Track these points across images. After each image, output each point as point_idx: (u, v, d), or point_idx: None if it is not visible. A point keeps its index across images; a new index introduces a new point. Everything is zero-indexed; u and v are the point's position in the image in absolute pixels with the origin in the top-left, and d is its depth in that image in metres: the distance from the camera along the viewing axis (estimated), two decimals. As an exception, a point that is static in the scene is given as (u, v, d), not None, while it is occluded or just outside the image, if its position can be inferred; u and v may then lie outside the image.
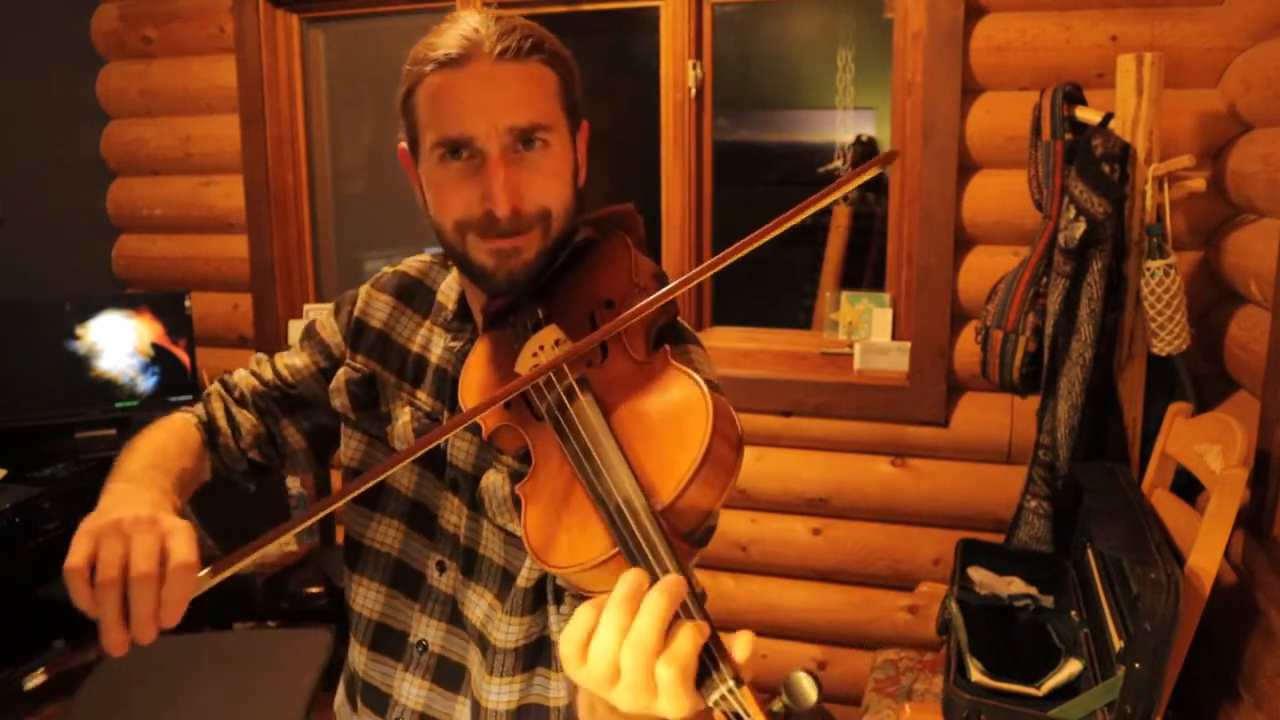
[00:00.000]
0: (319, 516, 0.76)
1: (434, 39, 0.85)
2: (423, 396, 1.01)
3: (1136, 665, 1.33)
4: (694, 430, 0.67)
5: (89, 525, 0.76)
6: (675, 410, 0.70)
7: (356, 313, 1.07)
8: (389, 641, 1.03)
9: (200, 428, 1.06)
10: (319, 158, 2.97)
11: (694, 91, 2.44)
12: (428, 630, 1.01)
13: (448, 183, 0.86)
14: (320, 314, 1.12)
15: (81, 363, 2.66)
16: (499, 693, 0.96)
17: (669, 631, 0.59)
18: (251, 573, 2.37)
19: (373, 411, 1.04)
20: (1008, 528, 2.00)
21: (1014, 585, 1.80)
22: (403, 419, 1.01)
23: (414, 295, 1.07)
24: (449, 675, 1.01)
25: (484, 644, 0.97)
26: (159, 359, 2.75)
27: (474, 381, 0.86)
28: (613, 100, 3.40)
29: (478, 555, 0.97)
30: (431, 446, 0.75)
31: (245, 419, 1.09)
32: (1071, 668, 1.54)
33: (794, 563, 2.46)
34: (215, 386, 1.12)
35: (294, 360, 1.10)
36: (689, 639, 0.58)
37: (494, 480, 0.94)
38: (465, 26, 0.84)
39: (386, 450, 1.02)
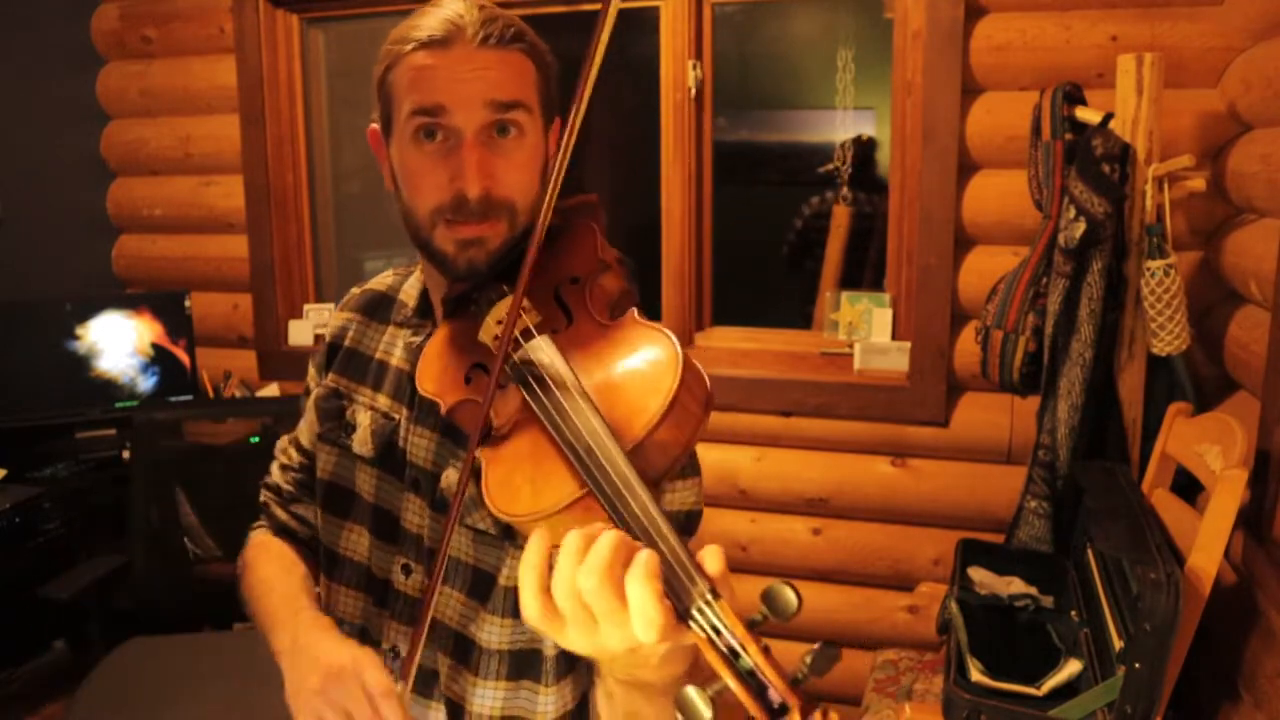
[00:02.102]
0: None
1: (417, 20, 0.87)
2: (382, 399, 1.02)
3: (1136, 665, 1.33)
4: (662, 377, 0.68)
5: (300, 704, 0.87)
6: (644, 359, 0.72)
7: (328, 339, 1.10)
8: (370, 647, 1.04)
9: (280, 535, 1.14)
10: (319, 158, 2.97)
11: (694, 91, 2.44)
12: (398, 636, 1.01)
13: (420, 165, 0.86)
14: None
15: (81, 363, 2.66)
16: (485, 696, 0.95)
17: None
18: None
19: (339, 421, 1.05)
20: (1008, 528, 2.00)
21: (1014, 585, 1.80)
22: (364, 424, 1.02)
23: (378, 306, 1.08)
24: (421, 680, 1.00)
25: (463, 645, 0.96)
26: (159, 359, 2.75)
27: (432, 366, 0.86)
28: (612, 100, 3.40)
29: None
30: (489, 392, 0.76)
31: (305, 511, 1.13)
32: (1071, 668, 1.54)
33: (794, 563, 2.46)
34: (266, 494, 1.17)
35: (307, 433, 1.12)
36: (649, 554, 0.57)
37: (454, 479, 0.94)
38: (449, 11, 0.86)
39: (352, 460, 1.03)
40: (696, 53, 2.45)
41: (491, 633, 0.94)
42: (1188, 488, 1.73)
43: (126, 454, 2.45)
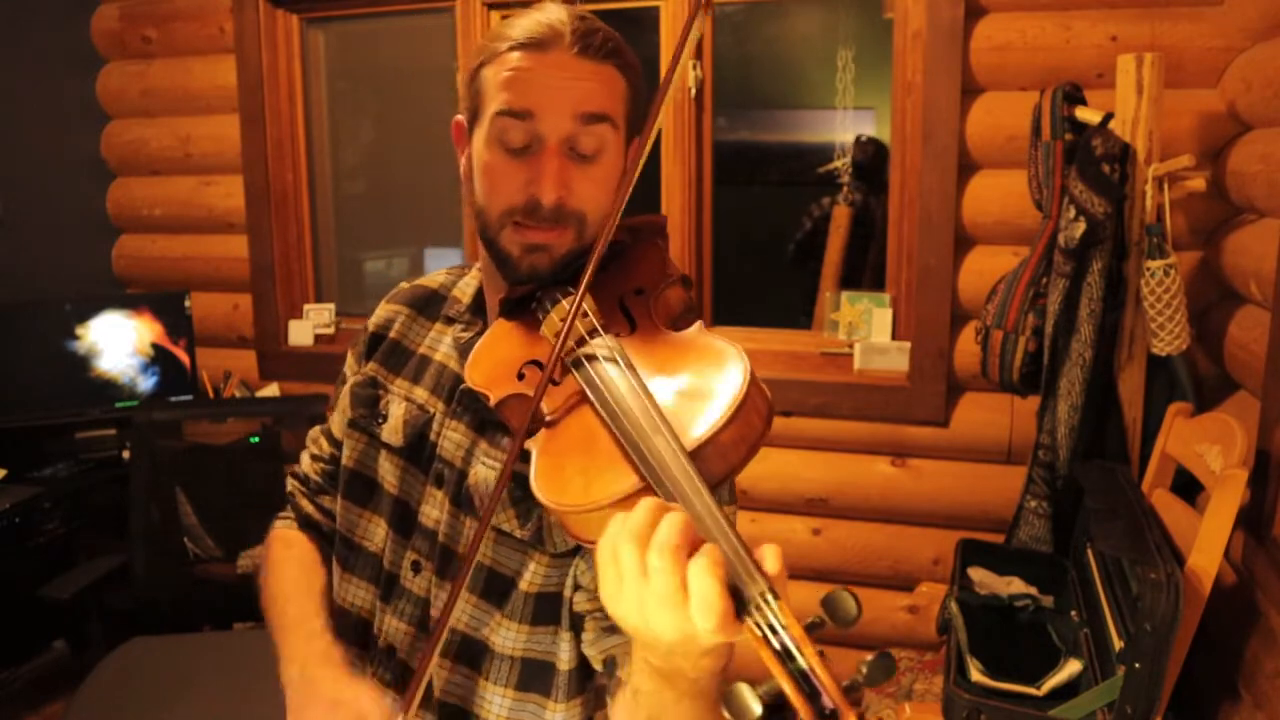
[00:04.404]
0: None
1: (516, 20, 0.88)
2: (419, 392, 1.02)
3: (1136, 665, 1.33)
4: (730, 383, 0.68)
5: None
6: (712, 365, 0.72)
7: (371, 328, 1.10)
8: (371, 642, 1.03)
9: (305, 529, 1.13)
10: (319, 158, 2.97)
11: (694, 91, 2.44)
12: (395, 634, 0.99)
13: (500, 165, 0.87)
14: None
15: (81, 363, 2.66)
16: (494, 701, 0.94)
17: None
18: (250, 572, 2.37)
19: (372, 410, 1.04)
20: (1008, 528, 2.00)
21: (1014, 585, 1.80)
22: (396, 414, 1.02)
23: (429, 303, 1.08)
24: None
25: (471, 647, 0.94)
26: (159, 359, 2.75)
27: (484, 361, 0.87)
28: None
29: (456, 555, 0.95)
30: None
31: (332, 503, 1.11)
32: (1071, 668, 1.54)
33: (794, 563, 2.45)
34: (293, 484, 1.16)
35: (339, 421, 1.10)
36: (714, 547, 0.57)
37: (483, 475, 0.93)
38: (550, 16, 0.87)
39: (378, 449, 1.03)
40: (696, 53, 2.45)
41: (506, 637, 0.93)
42: (1188, 488, 1.73)
43: (126, 454, 2.45)
